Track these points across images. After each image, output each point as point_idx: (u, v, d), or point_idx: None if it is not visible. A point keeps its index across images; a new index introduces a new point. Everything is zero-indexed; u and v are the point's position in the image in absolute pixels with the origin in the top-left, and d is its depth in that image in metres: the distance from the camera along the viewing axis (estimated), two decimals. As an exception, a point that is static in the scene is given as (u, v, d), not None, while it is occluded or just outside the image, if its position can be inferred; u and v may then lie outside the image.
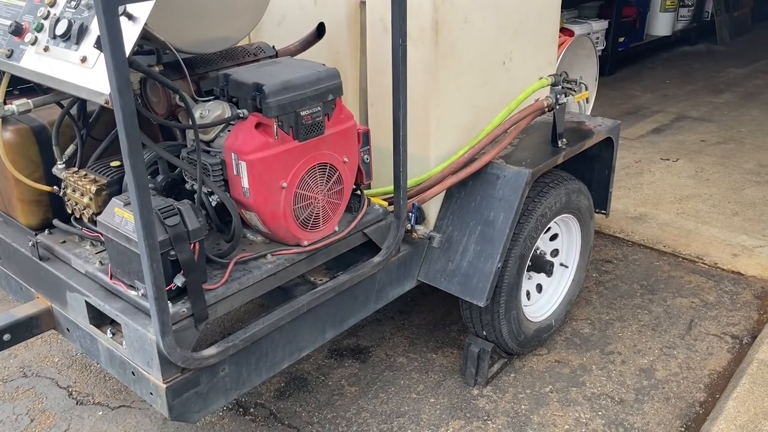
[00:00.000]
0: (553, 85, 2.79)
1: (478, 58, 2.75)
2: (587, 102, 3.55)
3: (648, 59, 8.05)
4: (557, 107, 2.79)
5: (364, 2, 2.70)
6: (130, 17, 1.69)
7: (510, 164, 2.71)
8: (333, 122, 2.29)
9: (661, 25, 8.19)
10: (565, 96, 2.80)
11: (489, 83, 2.85)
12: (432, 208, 2.80)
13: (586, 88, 3.49)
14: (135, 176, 1.67)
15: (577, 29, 6.79)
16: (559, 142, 2.84)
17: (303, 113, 2.16)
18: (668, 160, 5.16)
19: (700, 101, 6.57)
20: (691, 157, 5.19)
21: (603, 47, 7.22)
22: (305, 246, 2.31)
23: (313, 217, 2.29)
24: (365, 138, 2.49)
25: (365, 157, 2.51)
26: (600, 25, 7.06)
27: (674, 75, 7.51)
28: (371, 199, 2.70)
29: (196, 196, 2.12)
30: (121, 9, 1.68)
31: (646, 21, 7.98)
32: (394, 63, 2.34)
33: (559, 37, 3.61)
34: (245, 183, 2.12)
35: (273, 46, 2.60)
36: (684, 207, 4.39)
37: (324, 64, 2.31)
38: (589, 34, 6.92)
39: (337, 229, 2.41)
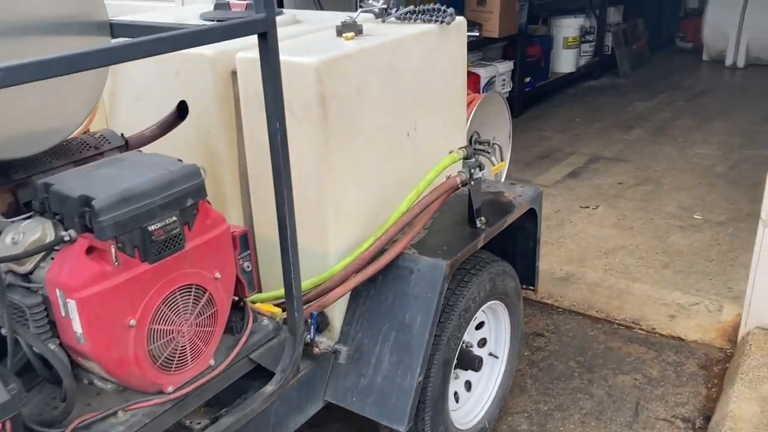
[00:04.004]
0: (466, 158, 2.40)
1: (378, 131, 2.34)
2: (503, 160, 3.21)
3: (555, 97, 7.93)
4: (472, 183, 2.39)
5: (236, 72, 2.25)
6: None
7: (424, 255, 2.29)
8: (196, 232, 1.80)
9: (565, 62, 8.12)
10: (480, 170, 2.41)
11: (393, 158, 2.44)
12: (336, 312, 2.34)
13: (501, 150, 3.15)
14: None
15: (483, 72, 6.58)
16: (477, 222, 2.45)
17: (152, 228, 1.66)
18: (588, 207, 4.90)
19: (612, 139, 6.43)
20: (611, 203, 4.96)
21: (510, 88, 7.02)
22: (170, 393, 1.79)
23: (177, 355, 1.78)
24: (243, 242, 2.01)
25: (245, 264, 2.03)
26: (505, 67, 6.86)
27: (583, 112, 7.39)
28: (261, 307, 2.22)
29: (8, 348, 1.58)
30: None
31: (551, 59, 7.88)
32: (273, 151, 1.89)
33: (468, 94, 3.27)
34: (77, 326, 1.60)
35: (122, 134, 2.11)
36: (611, 262, 4.11)
37: (181, 160, 1.83)
38: (495, 76, 6.72)
39: (212, 362, 1.90)
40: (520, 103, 7.24)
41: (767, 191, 3.02)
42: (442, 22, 2.51)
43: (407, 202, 2.28)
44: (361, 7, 2.66)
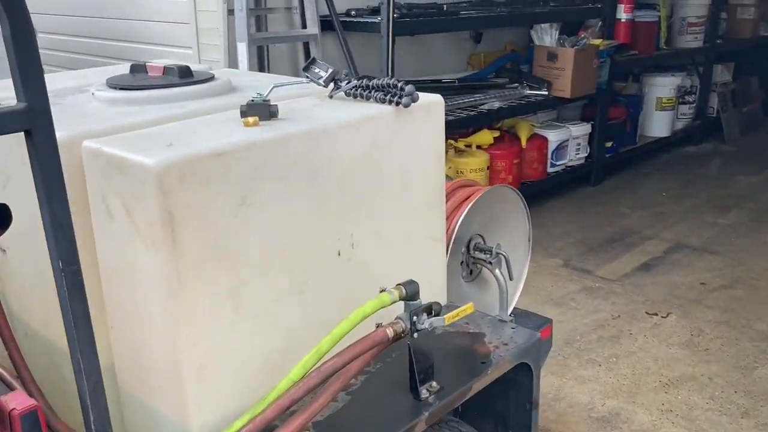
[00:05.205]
0: (407, 299, 1.67)
1: (283, 255, 1.66)
2: (510, 279, 2.43)
3: (644, 164, 6.95)
4: (415, 335, 1.66)
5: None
6: None
7: (320, 446, 1.57)
8: None
9: (658, 125, 7.13)
10: (429, 315, 1.67)
11: (312, 289, 1.75)
12: (206, 506, 1.66)
13: (507, 261, 2.40)
14: None
15: (552, 135, 5.78)
16: (423, 391, 1.70)
17: None
18: (656, 314, 3.97)
19: (702, 222, 5.43)
20: (686, 311, 4.01)
21: (586, 154, 6.16)
22: None
23: None
24: (29, 424, 1.37)
25: (34, 455, 1.39)
26: (581, 130, 6.00)
27: (673, 184, 6.39)
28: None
29: None
30: None
31: (639, 121, 6.92)
32: (63, 310, 1.26)
33: (472, 185, 2.55)
34: None
35: None
36: (672, 399, 3.19)
37: None
38: (567, 140, 5.89)
39: None
40: (599, 171, 6.36)
41: None
42: (397, 103, 1.82)
43: (300, 367, 1.57)
44: (306, 77, 2.01)
